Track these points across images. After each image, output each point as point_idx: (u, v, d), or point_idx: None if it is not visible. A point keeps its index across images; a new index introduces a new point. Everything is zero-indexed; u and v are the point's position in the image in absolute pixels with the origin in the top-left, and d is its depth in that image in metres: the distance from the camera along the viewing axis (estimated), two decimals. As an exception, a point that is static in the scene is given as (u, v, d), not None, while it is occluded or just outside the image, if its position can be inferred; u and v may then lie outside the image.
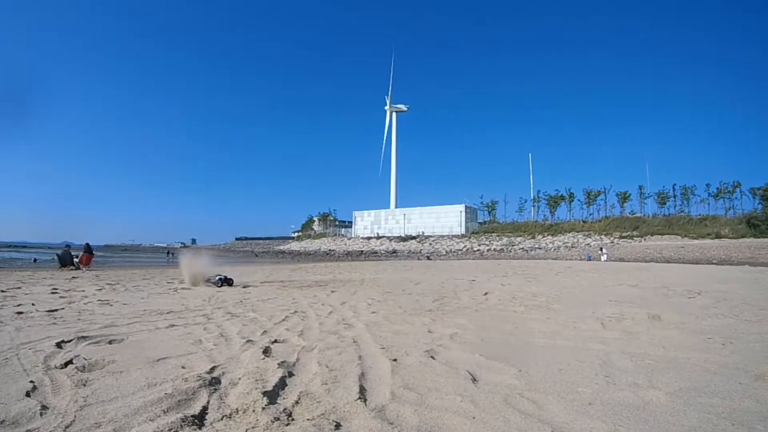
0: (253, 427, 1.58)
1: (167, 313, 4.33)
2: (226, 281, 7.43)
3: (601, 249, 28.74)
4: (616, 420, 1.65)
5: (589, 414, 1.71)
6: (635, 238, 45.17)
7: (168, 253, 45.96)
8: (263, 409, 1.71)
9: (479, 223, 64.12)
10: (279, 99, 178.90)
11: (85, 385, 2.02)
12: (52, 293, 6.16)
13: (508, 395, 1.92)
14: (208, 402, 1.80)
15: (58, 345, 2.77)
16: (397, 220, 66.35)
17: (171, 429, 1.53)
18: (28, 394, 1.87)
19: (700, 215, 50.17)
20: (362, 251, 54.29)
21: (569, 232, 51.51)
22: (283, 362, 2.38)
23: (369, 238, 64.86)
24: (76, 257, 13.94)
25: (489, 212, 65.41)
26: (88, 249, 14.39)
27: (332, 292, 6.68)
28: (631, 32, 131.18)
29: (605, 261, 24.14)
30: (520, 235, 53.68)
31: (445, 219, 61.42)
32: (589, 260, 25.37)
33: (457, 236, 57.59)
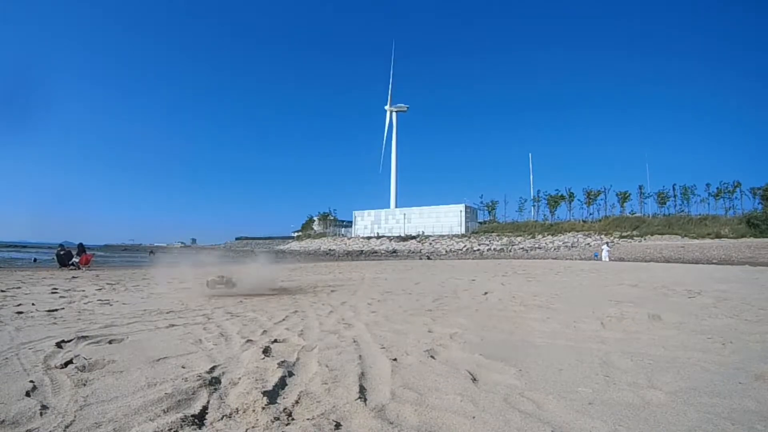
0: (253, 427, 1.58)
1: (167, 312, 4.33)
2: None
3: (607, 243, 28.06)
4: (616, 420, 1.65)
5: (589, 414, 1.71)
6: (635, 238, 45.15)
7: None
8: (263, 408, 1.71)
9: (479, 222, 64.05)
10: (279, 99, 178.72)
11: (85, 384, 2.02)
12: (52, 293, 6.16)
13: (508, 395, 1.92)
14: (208, 402, 1.80)
15: (58, 345, 2.77)
16: (397, 219, 66.28)
17: (171, 429, 1.53)
18: (28, 394, 1.87)
19: (700, 215, 50.09)
20: (362, 251, 54.29)
21: (569, 232, 51.46)
22: (283, 362, 2.38)
23: (369, 238, 64.83)
24: (77, 257, 13.94)
25: (489, 212, 65.38)
26: (82, 249, 14.38)
27: (332, 291, 6.68)
28: (632, 32, 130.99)
29: (605, 260, 23.87)
30: (520, 235, 53.64)
31: (445, 219, 61.37)
32: (597, 258, 25.24)
33: (457, 236, 57.54)
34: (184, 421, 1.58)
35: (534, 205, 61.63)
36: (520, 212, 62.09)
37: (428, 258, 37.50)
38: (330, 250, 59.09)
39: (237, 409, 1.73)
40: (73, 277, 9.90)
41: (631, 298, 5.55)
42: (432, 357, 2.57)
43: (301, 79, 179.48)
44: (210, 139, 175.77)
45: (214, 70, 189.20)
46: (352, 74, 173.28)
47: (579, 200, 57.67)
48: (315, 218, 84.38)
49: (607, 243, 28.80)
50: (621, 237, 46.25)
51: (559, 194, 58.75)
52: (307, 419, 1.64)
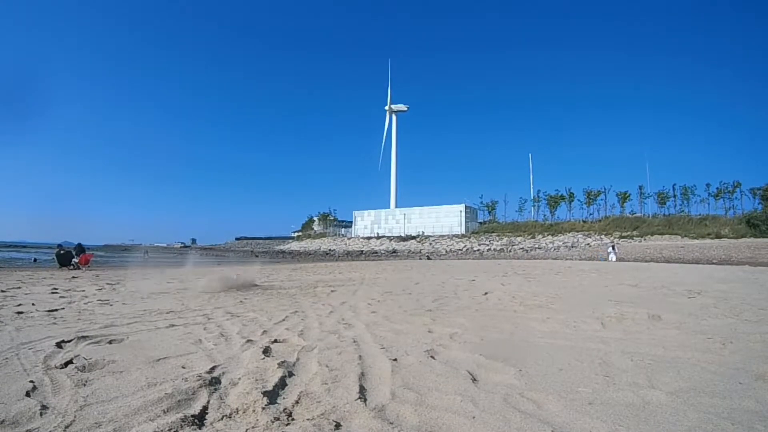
0: (253, 427, 1.58)
1: (167, 312, 4.33)
2: None
3: (613, 247, 27.53)
4: (616, 420, 1.65)
5: (589, 414, 1.71)
6: (635, 238, 45.16)
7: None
8: (263, 409, 1.71)
9: (479, 223, 64.10)
10: (278, 99, 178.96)
11: (85, 385, 2.02)
12: (52, 293, 6.16)
13: (508, 395, 1.92)
14: (208, 402, 1.80)
15: (58, 345, 2.77)
16: (397, 219, 66.31)
17: (171, 429, 1.53)
18: (28, 394, 1.87)
19: (700, 215, 50.16)
20: (362, 251, 54.30)
21: (569, 232, 51.48)
22: (283, 362, 2.38)
23: (369, 238, 64.83)
24: (76, 257, 13.94)
25: (489, 212, 65.49)
26: (81, 249, 14.39)
27: (332, 291, 6.68)
28: (632, 32, 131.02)
29: (612, 259, 23.62)
30: (520, 235, 53.65)
31: (445, 219, 61.42)
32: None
33: (457, 236, 57.56)
34: (184, 421, 1.58)
35: (534, 205, 61.78)
36: (520, 212, 62.25)
37: (428, 258, 37.50)
38: (330, 250, 59.08)
39: (237, 409, 1.73)
40: (73, 277, 9.90)
41: (631, 298, 5.55)
42: (432, 357, 2.57)
43: (300, 79, 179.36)
44: (210, 139, 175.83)
45: (214, 70, 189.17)
46: (352, 74, 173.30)
47: (579, 200, 57.81)
48: (315, 218, 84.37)
49: (613, 246, 28.46)
50: (621, 237, 46.23)
51: (559, 194, 58.87)
52: (307, 419, 1.64)
